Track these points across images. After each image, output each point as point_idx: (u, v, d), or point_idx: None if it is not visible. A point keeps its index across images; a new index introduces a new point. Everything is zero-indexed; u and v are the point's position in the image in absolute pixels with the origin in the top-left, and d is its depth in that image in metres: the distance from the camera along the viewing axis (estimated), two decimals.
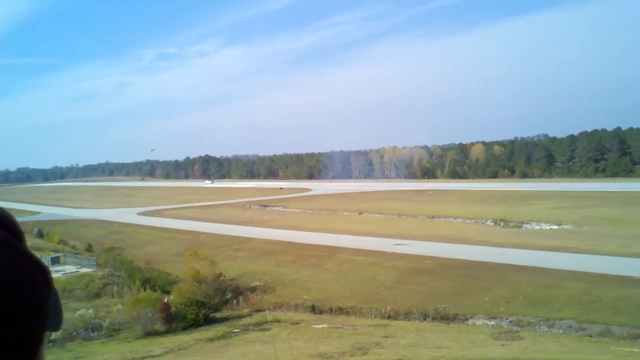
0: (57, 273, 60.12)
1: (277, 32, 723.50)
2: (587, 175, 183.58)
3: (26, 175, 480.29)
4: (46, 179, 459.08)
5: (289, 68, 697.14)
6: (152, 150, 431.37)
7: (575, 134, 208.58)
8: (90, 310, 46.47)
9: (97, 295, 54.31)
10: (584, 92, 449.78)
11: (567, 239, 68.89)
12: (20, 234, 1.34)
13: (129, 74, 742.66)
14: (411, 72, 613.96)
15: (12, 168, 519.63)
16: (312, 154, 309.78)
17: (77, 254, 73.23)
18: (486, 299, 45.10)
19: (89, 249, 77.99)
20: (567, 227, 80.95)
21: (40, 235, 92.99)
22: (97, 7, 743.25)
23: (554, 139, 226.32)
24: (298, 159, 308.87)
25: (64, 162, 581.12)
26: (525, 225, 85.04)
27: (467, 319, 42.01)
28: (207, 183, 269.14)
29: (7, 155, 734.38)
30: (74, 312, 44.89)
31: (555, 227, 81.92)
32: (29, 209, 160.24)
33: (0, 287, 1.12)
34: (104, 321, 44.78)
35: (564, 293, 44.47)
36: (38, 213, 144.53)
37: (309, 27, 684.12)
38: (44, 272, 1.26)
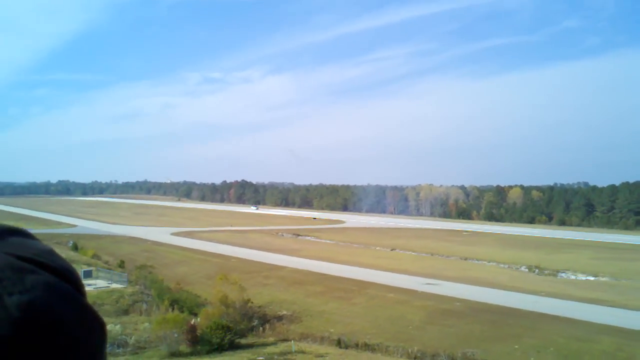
0: (89, 287, 60.74)
1: (322, 63, 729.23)
2: (627, 227, 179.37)
3: (66, 188, 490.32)
4: (85, 193, 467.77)
5: (331, 99, 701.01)
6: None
7: (617, 184, 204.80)
8: (118, 326, 46.76)
9: (126, 312, 54.68)
10: (627, 142, 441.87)
11: (603, 292, 67.24)
12: (82, 287, 1.39)
13: (174, 95, 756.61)
14: (452, 111, 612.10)
15: (53, 180, 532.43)
16: (348, 186, 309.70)
17: (110, 269, 73.96)
18: (516, 347, 44.11)
19: (121, 265, 78.72)
20: (603, 279, 79.09)
21: (75, 248, 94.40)
22: (148, 28, 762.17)
23: (594, 187, 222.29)
24: (333, 190, 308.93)
25: (104, 178, 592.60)
26: (560, 274, 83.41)
27: None
28: (252, 209, 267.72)
29: (50, 168, 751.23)
30: None
31: (592, 278, 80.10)
32: (65, 221, 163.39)
33: (66, 341, 1.19)
34: (131, 338, 44.97)
35: (597, 347, 43.27)
36: (75, 226, 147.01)
37: (354, 60, 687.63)
38: (102, 326, 1.33)
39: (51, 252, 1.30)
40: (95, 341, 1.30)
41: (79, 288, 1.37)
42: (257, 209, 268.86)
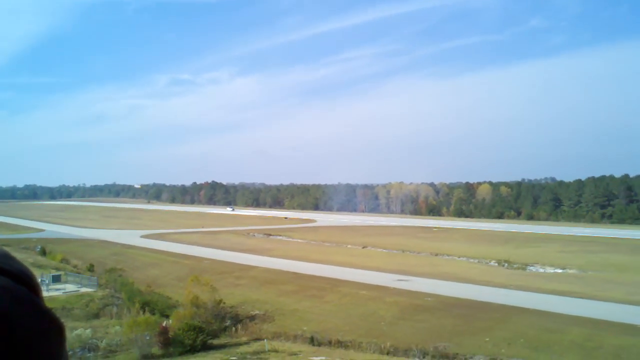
0: (58, 291, 60.06)
1: (290, 63, 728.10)
2: (593, 221, 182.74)
3: (33, 193, 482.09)
4: (52, 197, 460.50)
5: (299, 100, 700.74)
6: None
7: (583, 178, 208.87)
8: (88, 330, 46.18)
9: (96, 316, 54.04)
10: (593, 137, 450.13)
11: (572, 284, 68.39)
12: (38, 289, 1.38)
13: (141, 97, 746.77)
14: (421, 110, 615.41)
15: (20, 184, 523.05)
16: (319, 186, 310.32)
17: (79, 273, 73.04)
18: (487, 339, 44.62)
19: (91, 268, 77.81)
20: (571, 271, 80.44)
21: (43, 253, 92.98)
22: (114, 31, 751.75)
23: (561, 182, 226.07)
24: (304, 189, 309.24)
25: (71, 181, 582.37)
26: (529, 268, 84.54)
27: (467, 359, 41.51)
28: (228, 210, 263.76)
29: (16, 172, 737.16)
30: (71, 332, 44.59)
31: (560, 270, 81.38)
32: (33, 226, 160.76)
33: (23, 344, 1.17)
34: (101, 342, 44.46)
35: (566, 338, 44.00)
36: (42, 230, 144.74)
37: (322, 60, 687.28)
38: (59, 328, 1.31)
39: (6, 256, 1.29)
40: (53, 344, 1.27)
41: (35, 291, 1.35)
42: (232, 210, 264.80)
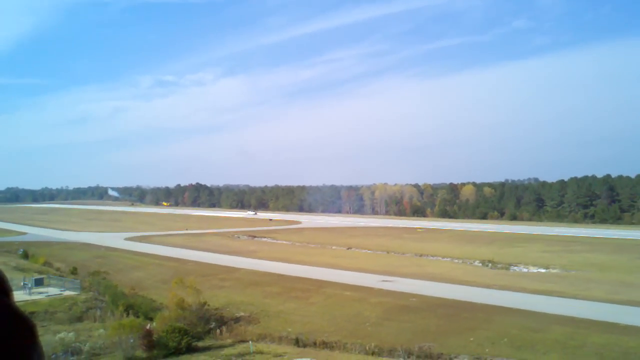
0: (41, 295, 59.52)
1: (275, 65, 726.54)
2: (576, 221, 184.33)
3: (15, 195, 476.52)
4: (35, 200, 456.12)
5: (285, 101, 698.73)
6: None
7: (566, 179, 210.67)
8: (71, 334, 45.82)
9: (80, 319, 53.58)
10: (576, 138, 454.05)
11: (554, 283, 68.99)
12: (9, 289, 1.37)
13: (125, 99, 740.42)
14: (405, 111, 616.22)
15: (1, 187, 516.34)
16: (303, 187, 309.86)
17: (62, 276, 72.43)
18: (471, 339, 44.88)
19: (74, 272, 77.29)
20: (554, 271, 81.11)
21: (26, 256, 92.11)
22: (98, 32, 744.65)
23: (544, 183, 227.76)
24: (289, 191, 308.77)
25: (54, 184, 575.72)
26: (513, 268, 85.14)
27: (451, 359, 41.70)
28: (249, 214, 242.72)
29: None
30: (54, 335, 44.27)
31: (543, 270, 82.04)
32: (15, 229, 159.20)
33: None
34: (85, 345, 44.09)
35: (549, 337, 44.36)
36: (25, 234, 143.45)
37: (307, 61, 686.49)
38: (31, 328, 1.28)
39: None
40: (24, 345, 1.25)
41: (5, 291, 1.35)
42: (255, 214, 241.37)
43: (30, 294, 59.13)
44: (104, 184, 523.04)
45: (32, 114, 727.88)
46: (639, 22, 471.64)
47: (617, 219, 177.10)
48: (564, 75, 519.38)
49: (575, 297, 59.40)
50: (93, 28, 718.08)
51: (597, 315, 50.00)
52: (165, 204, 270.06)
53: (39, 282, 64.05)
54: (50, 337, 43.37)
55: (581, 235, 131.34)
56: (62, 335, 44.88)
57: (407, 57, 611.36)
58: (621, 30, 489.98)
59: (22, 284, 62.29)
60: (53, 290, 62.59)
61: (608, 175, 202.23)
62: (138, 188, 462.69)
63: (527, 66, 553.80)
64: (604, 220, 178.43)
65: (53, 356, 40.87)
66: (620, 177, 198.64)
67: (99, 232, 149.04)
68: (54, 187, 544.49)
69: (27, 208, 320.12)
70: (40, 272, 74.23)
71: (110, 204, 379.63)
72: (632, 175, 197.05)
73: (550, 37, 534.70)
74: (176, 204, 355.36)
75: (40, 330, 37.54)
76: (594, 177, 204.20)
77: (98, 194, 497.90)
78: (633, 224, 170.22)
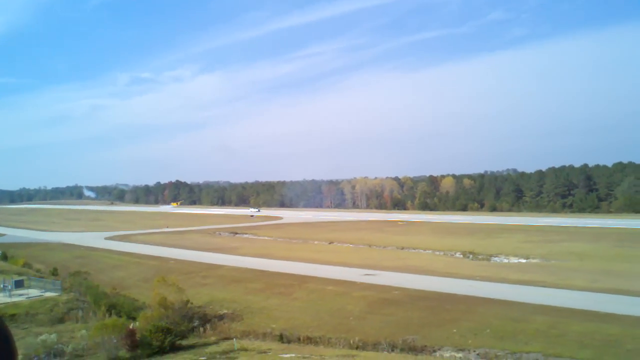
0: (21, 297, 58.89)
1: (253, 60, 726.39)
2: (554, 210, 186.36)
3: None
4: (12, 201, 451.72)
5: (263, 96, 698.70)
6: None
7: (544, 169, 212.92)
8: (53, 335, 45.38)
9: (61, 320, 53.12)
10: (553, 128, 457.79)
11: (535, 273, 69.68)
12: None
13: (102, 97, 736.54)
14: (384, 104, 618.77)
15: None
16: (284, 182, 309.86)
17: (42, 277, 71.67)
18: (454, 331, 45.21)
19: (54, 272, 76.54)
20: (534, 261, 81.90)
21: (4, 257, 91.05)
22: (73, 29, 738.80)
23: (522, 174, 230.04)
24: (269, 186, 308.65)
25: (32, 184, 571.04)
26: (493, 258, 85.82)
27: (435, 351, 41.95)
28: (252, 211, 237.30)
29: None
30: (36, 337, 43.85)
31: (523, 260, 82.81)
32: None
33: None
34: (67, 346, 43.71)
35: (531, 326, 44.81)
36: (3, 235, 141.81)
37: (286, 56, 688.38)
38: (6, 337, 1.28)
39: None
40: None
41: None
42: (258, 211, 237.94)
43: (10, 296, 58.47)
44: (82, 183, 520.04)
45: (8, 113, 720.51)
46: (615, 12, 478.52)
47: (594, 208, 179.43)
48: (542, 66, 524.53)
49: (555, 286, 60.08)
50: (68, 26, 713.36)
51: (578, 304, 50.65)
52: (174, 204, 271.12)
53: (19, 284, 63.34)
54: (32, 339, 42.98)
55: (560, 225, 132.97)
56: (44, 337, 44.41)
57: (385, 51, 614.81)
58: (597, 21, 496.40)
59: (1, 286, 61.61)
60: (34, 292, 61.92)
61: (585, 165, 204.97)
62: (117, 187, 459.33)
63: (505, 57, 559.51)
64: (582, 210, 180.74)
65: (35, 358, 40.50)
66: (597, 167, 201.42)
67: (79, 232, 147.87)
68: (31, 188, 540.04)
69: (5, 209, 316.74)
70: (19, 274, 73.33)
71: (89, 204, 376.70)
72: (609, 164, 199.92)
73: (528, 28, 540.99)
74: (156, 202, 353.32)
75: (21, 333, 37.35)
76: (571, 167, 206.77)
77: (77, 193, 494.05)
78: (610, 212, 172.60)
